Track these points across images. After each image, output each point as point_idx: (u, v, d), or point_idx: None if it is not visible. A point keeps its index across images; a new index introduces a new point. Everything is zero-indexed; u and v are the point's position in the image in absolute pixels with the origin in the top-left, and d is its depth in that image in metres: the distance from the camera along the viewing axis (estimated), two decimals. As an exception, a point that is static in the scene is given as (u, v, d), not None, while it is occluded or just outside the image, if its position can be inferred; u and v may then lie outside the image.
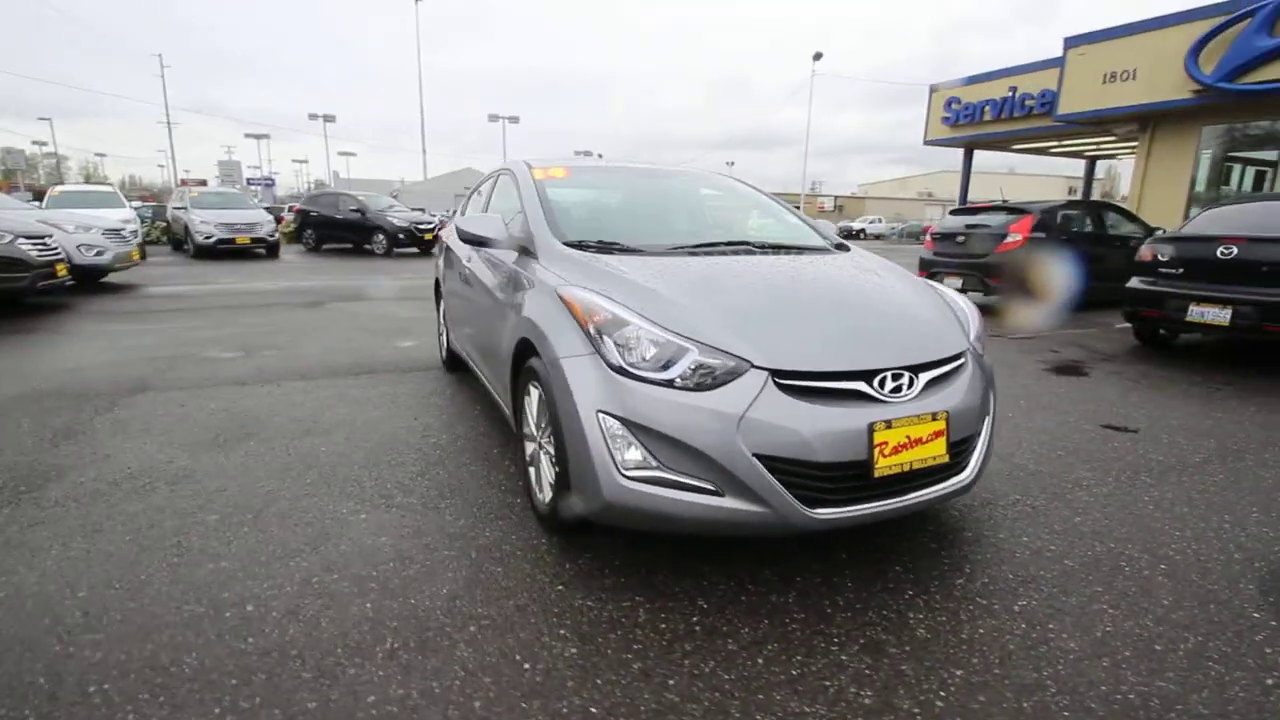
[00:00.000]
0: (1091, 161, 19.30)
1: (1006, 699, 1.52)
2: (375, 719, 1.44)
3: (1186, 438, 3.41)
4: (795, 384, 1.83)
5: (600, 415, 1.87)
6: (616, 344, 1.93)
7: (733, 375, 1.82)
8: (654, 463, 1.83)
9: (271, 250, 14.91)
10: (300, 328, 6.36)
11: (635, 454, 1.84)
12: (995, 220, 8.29)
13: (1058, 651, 1.69)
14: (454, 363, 4.63)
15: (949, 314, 2.30)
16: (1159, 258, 5.57)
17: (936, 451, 1.93)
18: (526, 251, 2.67)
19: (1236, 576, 2.07)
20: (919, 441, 1.90)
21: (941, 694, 1.53)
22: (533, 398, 2.36)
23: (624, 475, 1.84)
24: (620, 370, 1.89)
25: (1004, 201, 8.69)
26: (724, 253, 2.60)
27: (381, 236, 16.70)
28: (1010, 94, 14.31)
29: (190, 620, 1.79)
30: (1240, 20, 9.11)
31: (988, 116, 15.01)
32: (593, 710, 1.48)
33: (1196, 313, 5.12)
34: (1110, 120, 11.86)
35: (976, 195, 17.45)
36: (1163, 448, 3.27)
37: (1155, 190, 11.36)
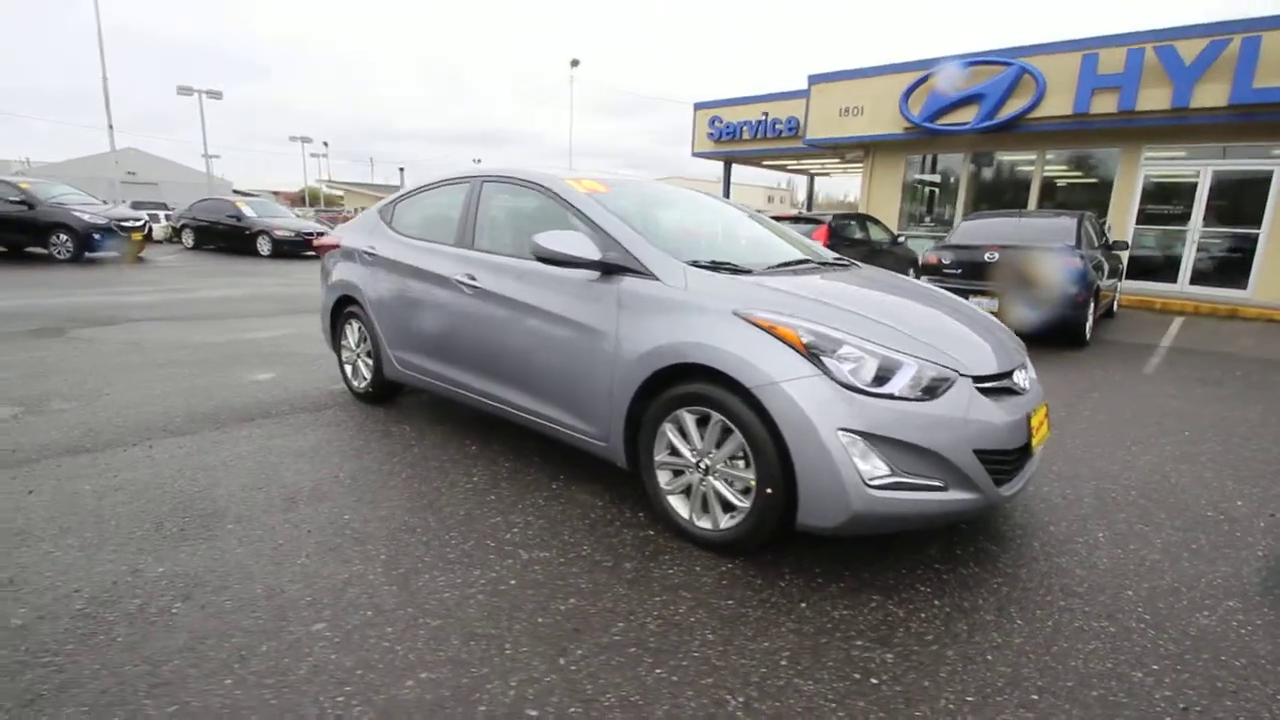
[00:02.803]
0: (811, 178, 23.52)
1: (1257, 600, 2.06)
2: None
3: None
4: (985, 386, 2.16)
5: (841, 433, 1.97)
6: (840, 362, 2.03)
7: (947, 383, 2.07)
8: (891, 470, 1.99)
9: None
10: (71, 368, 4.77)
11: (877, 465, 1.98)
12: (798, 229, 9.78)
13: (1208, 571, 2.31)
14: (383, 393, 4.03)
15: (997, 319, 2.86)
16: (942, 261, 7.22)
17: (1047, 429, 2.43)
18: (619, 270, 2.54)
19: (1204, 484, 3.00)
20: (1042, 423, 2.37)
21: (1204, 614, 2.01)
22: (687, 424, 2.30)
23: (869, 486, 1.96)
24: (850, 387, 2.00)
25: (799, 213, 10.28)
26: (811, 271, 2.81)
27: (66, 236, 12.81)
28: (764, 118, 16.75)
29: (482, 747, 1.44)
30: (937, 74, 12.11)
31: (746, 136, 17.33)
32: (969, 699, 1.62)
33: (974, 303, 6.79)
34: (844, 147, 14.69)
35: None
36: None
37: (877, 204, 14.42)
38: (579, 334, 2.61)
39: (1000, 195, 13.05)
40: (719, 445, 2.24)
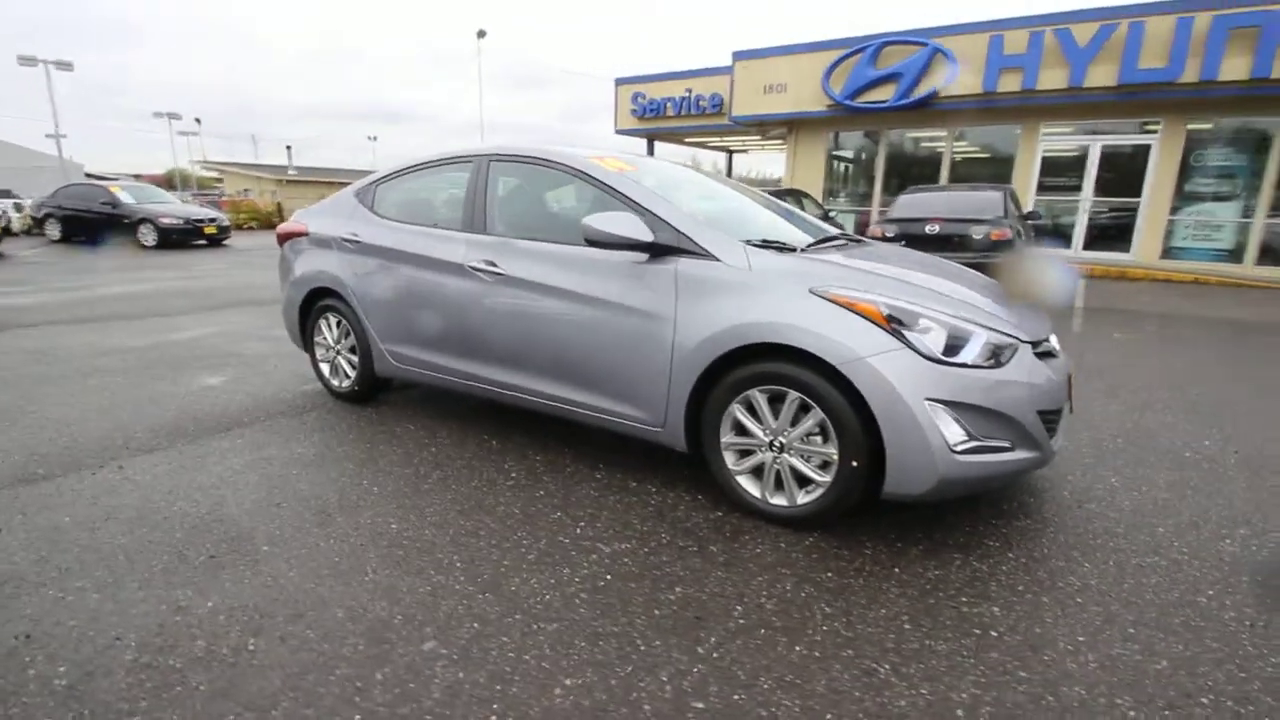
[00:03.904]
0: (730, 155, 23.89)
1: (1203, 536, 2.31)
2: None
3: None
4: (1039, 351, 2.30)
5: (928, 403, 2.04)
6: (920, 335, 2.10)
7: (1011, 349, 2.19)
8: (968, 435, 2.09)
9: None
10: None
11: (957, 431, 2.07)
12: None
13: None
14: (371, 391, 3.77)
15: None
16: (886, 235, 7.59)
17: (1071, 390, 2.63)
18: (672, 252, 2.49)
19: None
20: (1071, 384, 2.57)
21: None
22: (759, 403, 2.31)
23: (954, 451, 2.06)
24: (931, 358, 2.08)
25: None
26: (843, 247, 2.87)
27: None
28: (687, 94, 16.77)
29: None
30: (856, 53, 12.56)
31: (670, 112, 17.30)
32: (1080, 639, 1.75)
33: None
34: (769, 124, 15.00)
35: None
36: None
37: (801, 180, 14.87)
38: (630, 319, 2.54)
39: (914, 171, 13.83)
40: (794, 423, 2.27)
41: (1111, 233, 11.66)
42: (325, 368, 3.94)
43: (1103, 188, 11.66)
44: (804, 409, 2.24)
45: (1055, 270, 2.86)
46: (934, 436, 2.04)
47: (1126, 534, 2.33)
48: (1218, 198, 10.75)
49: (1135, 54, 9.80)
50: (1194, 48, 9.41)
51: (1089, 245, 11.87)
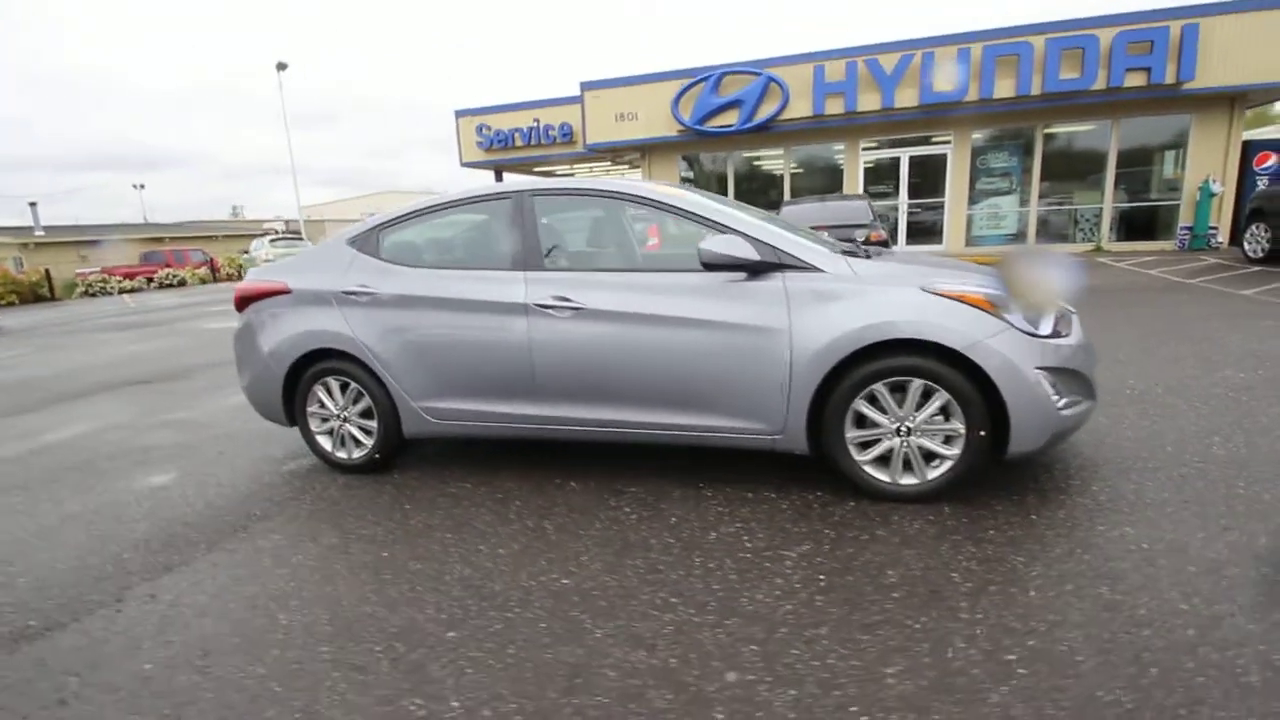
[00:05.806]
0: (572, 180, 24.35)
1: None
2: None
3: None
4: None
5: (1036, 371, 2.44)
6: (1014, 315, 2.50)
7: (1068, 319, 2.67)
8: (1059, 393, 2.52)
9: None
10: None
11: (1055, 392, 2.49)
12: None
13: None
14: (393, 454, 3.45)
15: None
16: (781, 242, 8.34)
17: (1074, 347, 3.23)
18: (774, 268, 2.66)
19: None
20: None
21: (1192, 456, 2.87)
22: (883, 395, 2.56)
23: (1059, 410, 2.48)
24: (1027, 334, 2.48)
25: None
26: (889, 251, 3.24)
27: None
28: (535, 124, 16.90)
29: (1023, 697, 1.58)
30: (700, 83, 13.61)
31: (519, 143, 17.29)
32: (1200, 535, 2.22)
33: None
34: (622, 150, 15.63)
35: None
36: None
37: (658, 200, 15.71)
38: (740, 335, 2.66)
39: (760, 186, 15.27)
40: (918, 407, 2.55)
41: (926, 228, 13.86)
42: (326, 441, 3.51)
43: (914, 191, 13.84)
44: (925, 394, 2.53)
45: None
46: (1045, 399, 2.44)
47: (1151, 456, 2.93)
48: (1000, 192, 13.30)
49: (930, 79, 11.85)
50: (973, 72, 11.63)
51: (910, 240, 13.99)
